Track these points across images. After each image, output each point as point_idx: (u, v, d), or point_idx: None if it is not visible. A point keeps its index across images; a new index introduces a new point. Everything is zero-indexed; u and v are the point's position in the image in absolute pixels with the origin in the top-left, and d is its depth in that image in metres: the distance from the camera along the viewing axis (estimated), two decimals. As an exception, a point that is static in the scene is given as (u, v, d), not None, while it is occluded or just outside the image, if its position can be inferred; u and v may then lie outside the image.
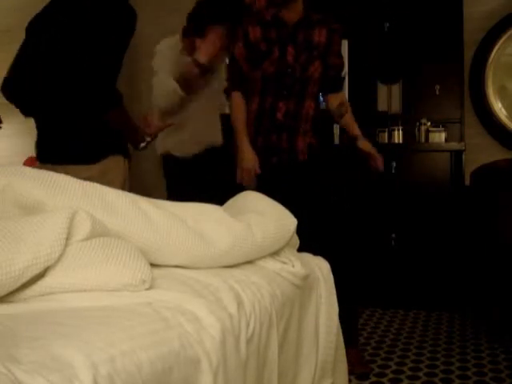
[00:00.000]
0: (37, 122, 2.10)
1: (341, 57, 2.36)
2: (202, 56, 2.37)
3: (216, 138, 2.64)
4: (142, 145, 2.15)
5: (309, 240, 1.62)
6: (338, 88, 2.41)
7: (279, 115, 2.18)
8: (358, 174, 3.22)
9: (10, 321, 0.75)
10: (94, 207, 1.04)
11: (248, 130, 2.21)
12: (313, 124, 2.28)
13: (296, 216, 1.40)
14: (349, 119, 2.38)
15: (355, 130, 2.36)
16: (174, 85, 2.38)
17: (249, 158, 2.15)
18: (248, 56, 2.21)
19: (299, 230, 1.45)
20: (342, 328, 1.54)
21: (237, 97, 2.24)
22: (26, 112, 2.11)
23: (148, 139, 2.16)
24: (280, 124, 2.19)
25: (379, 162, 2.31)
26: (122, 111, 2.00)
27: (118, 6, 1.96)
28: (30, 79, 2.00)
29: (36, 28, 2.05)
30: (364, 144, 2.32)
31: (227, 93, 2.32)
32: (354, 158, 2.96)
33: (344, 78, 2.44)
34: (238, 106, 2.23)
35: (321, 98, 2.57)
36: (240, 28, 2.24)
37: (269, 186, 1.86)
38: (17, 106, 2.10)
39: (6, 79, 2.06)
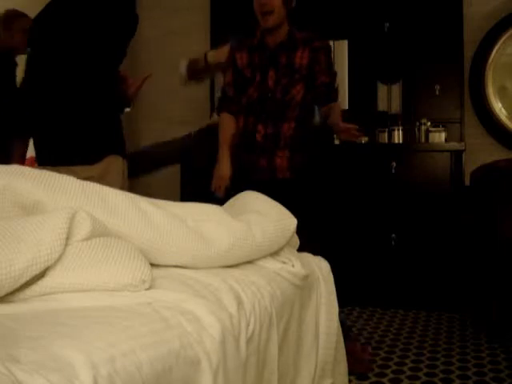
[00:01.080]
0: (36, 124, 2.09)
1: (330, 73, 2.29)
2: (211, 56, 2.66)
3: None
4: (127, 110, 2.19)
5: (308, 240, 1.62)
6: (331, 100, 2.34)
7: (258, 137, 2.24)
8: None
9: (10, 321, 0.75)
10: (94, 207, 1.04)
11: (234, 147, 2.31)
12: (294, 143, 2.25)
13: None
14: (335, 117, 2.27)
15: (336, 119, 2.25)
16: (183, 67, 2.73)
17: (223, 168, 2.28)
18: (235, 82, 2.31)
19: (299, 230, 1.45)
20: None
21: (225, 116, 2.36)
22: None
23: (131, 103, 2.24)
24: (259, 145, 2.24)
25: (346, 132, 2.14)
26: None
27: (122, 9, 1.97)
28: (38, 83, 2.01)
29: (40, 31, 2.05)
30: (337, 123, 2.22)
31: (218, 113, 2.44)
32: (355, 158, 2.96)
33: (337, 88, 2.40)
34: (226, 124, 2.34)
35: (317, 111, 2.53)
36: (231, 54, 2.35)
37: None
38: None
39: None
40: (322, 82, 2.26)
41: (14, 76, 2.25)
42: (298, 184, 2.28)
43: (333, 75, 2.33)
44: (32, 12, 2.10)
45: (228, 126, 2.32)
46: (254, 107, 2.25)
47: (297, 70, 2.22)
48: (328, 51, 2.32)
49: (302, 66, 2.22)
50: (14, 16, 2.70)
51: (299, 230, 1.45)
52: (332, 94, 2.35)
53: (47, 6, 2.06)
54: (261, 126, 2.23)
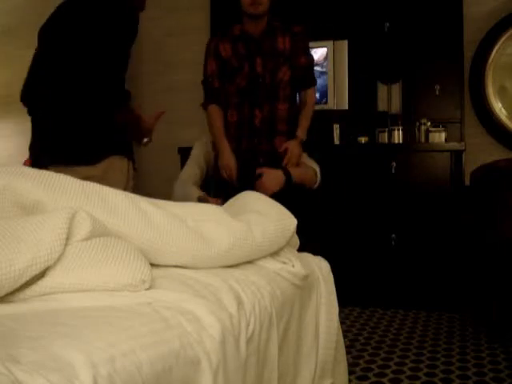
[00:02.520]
0: (38, 123, 2.09)
1: (307, 55, 2.44)
2: None
3: None
4: (145, 140, 2.15)
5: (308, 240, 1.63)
6: (308, 84, 2.49)
7: (256, 122, 2.35)
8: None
9: (10, 321, 0.75)
10: (94, 207, 1.04)
11: (230, 139, 2.39)
12: (291, 125, 2.39)
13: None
14: (301, 116, 2.44)
15: (298, 129, 2.42)
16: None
17: (226, 157, 2.36)
18: (220, 72, 2.40)
19: (299, 230, 1.45)
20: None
21: (213, 108, 2.44)
22: (33, 111, 2.09)
23: (149, 137, 2.16)
24: (258, 129, 2.36)
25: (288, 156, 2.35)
26: (127, 111, 2.01)
27: (123, 10, 1.97)
28: (42, 82, 2.00)
29: (48, 34, 2.05)
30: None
31: (204, 107, 2.49)
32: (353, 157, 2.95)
33: (313, 73, 2.52)
34: (216, 115, 2.43)
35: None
36: (211, 44, 2.43)
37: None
38: (28, 107, 2.08)
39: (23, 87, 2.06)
40: (300, 65, 2.41)
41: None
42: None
43: (310, 59, 2.47)
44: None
45: (219, 117, 2.41)
46: (246, 94, 2.35)
47: (281, 54, 2.36)
48: (305, 36, 2.45)
49: (285, 49, 2.36)
50: None
51: (299, 230, 1.45)
52: (308, 77, 2.48)
53: (57, 9, 2.07)
54: (257, 111, 2.34)
